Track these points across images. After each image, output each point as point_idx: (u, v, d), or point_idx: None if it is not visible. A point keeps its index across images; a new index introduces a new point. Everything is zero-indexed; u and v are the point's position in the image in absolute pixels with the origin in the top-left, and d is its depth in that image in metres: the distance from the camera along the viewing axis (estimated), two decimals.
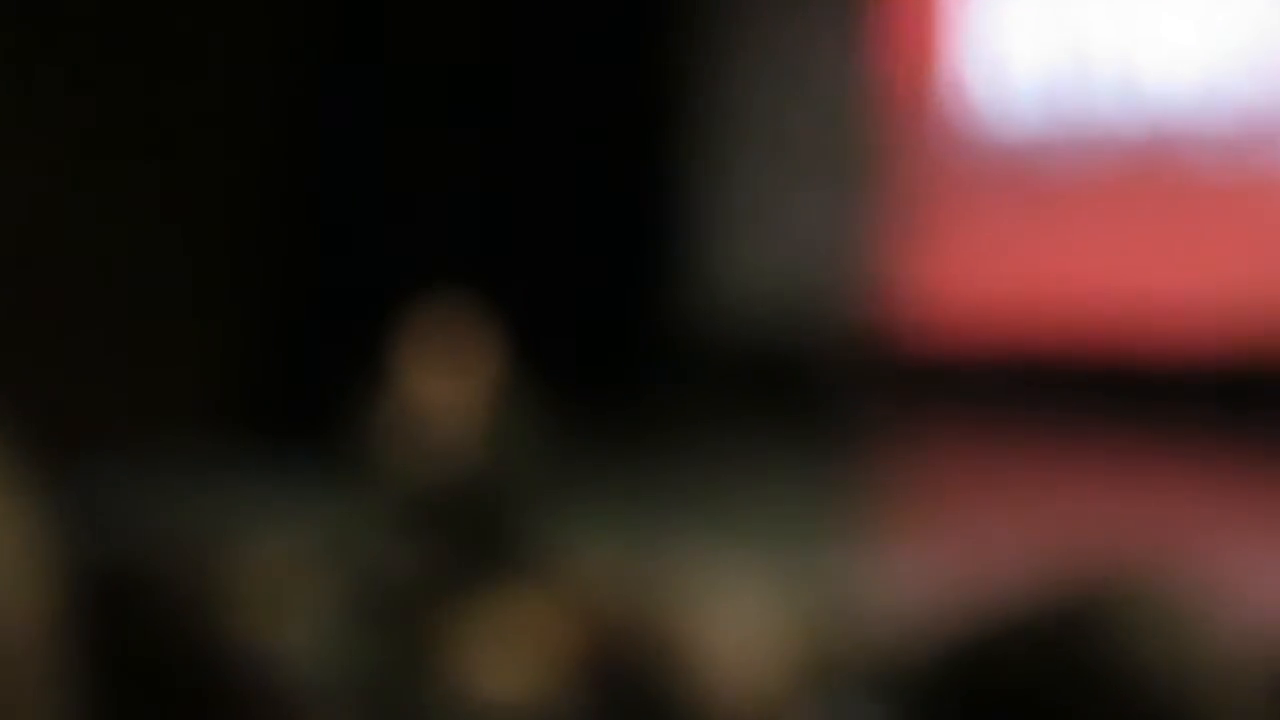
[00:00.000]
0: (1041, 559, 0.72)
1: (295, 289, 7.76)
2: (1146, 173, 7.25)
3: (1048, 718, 0.68)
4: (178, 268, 7.43)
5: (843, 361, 7.55)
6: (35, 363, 6.62)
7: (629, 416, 7.37)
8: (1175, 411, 6.77)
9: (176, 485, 6.22)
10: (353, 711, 1.13)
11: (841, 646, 1.64)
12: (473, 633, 2.74)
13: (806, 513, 6.51)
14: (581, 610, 1.83)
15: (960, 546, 5.93)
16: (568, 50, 7.74)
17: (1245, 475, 6.69)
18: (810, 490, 6.86)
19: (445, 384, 5.15)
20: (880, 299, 7.65)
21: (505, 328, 5.30)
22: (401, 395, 5.16)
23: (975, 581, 0.78)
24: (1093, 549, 0.73)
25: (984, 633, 0.71)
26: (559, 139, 7.79)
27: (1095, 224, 7.24)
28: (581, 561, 4.51)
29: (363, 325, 5.85)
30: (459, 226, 7.69)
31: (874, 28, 7.63)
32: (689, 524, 5.89)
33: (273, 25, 7.81)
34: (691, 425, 7.56)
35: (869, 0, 7.62)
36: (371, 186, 7.63)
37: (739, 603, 1.41)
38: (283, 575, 0.95)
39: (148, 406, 7.20)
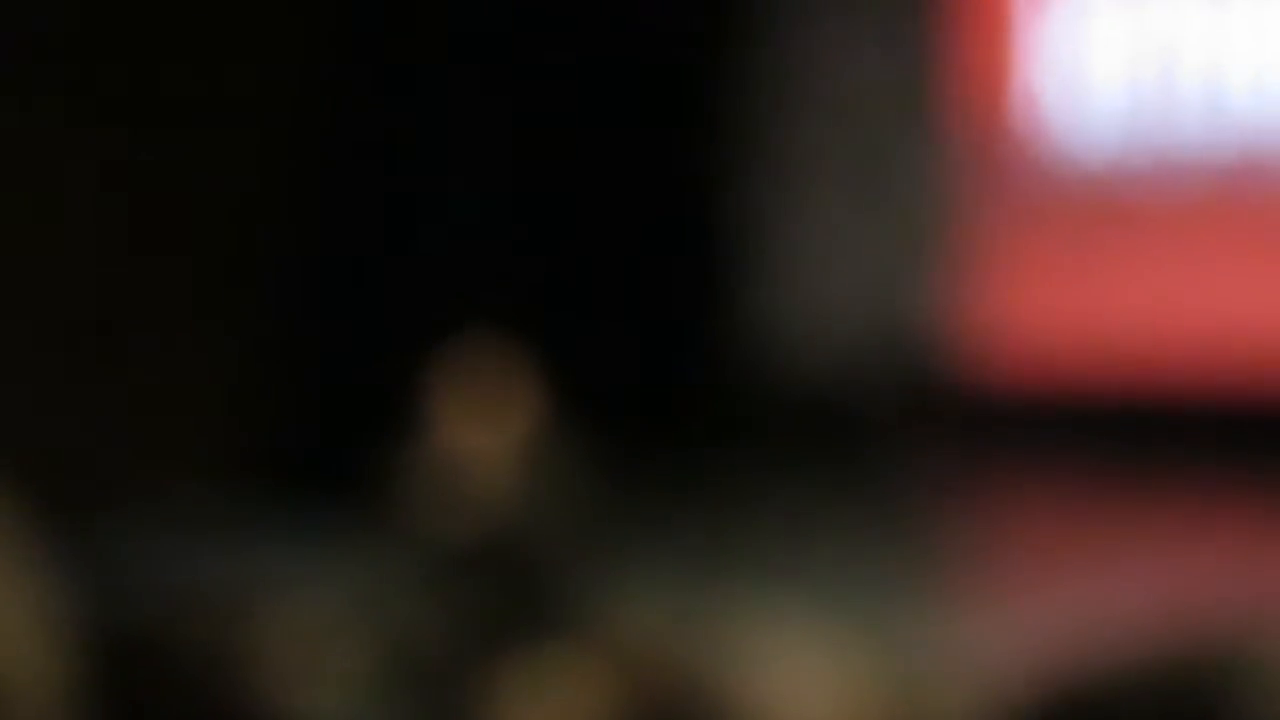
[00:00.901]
0: (1130, 617, 0.68)
1: (322, 334, 7.39)
2: (1235, 199, 6.88)
3: None
4: (197, 317, 7.14)
5: (907, 408, 7.23)
6: (51, 420, 6.46)
7: (679, 466, 7.05)
8: (1267, 456, 6.42)
9: (198, 544, 6.04)
10: None
11: (908, 712, 1.36)
12: (509, 697, 2.53)
13: (869, 569, 6.11)
14: (626, 673, 1.83)
15: (1036, 604, 5.72)
16: (618, 89, 7.53)
17: None
18: (873, 545, 6.49)
19: (481, 433, 4.79)
20: (948, 341, 7.27)
21: (545, 373, 4.93)
22: (434, 446, 4.78)
23: (1054, 642, 0.79)
24: (1186, 606, 0.60)
25: (1071, 695, 0.67)
26: (606, 175, 7.39)
27: (1181, 254, 6.91)
28: (627, 622, 4.33)
29: (393, 372, 5.59)
30: (497, 267, 7.33)
31: (940, 50, 7.24)
32: (743, 581, 5.64)
33: (299, 71, 7.38)
34: (746, 476, 7.31)
35: (935, 21, 7.20)
36: (402, 227, 7.33)
37: (796, 664, 1.20)
38: (310, 637, 0.96)
39: (167, 462, 6.87)
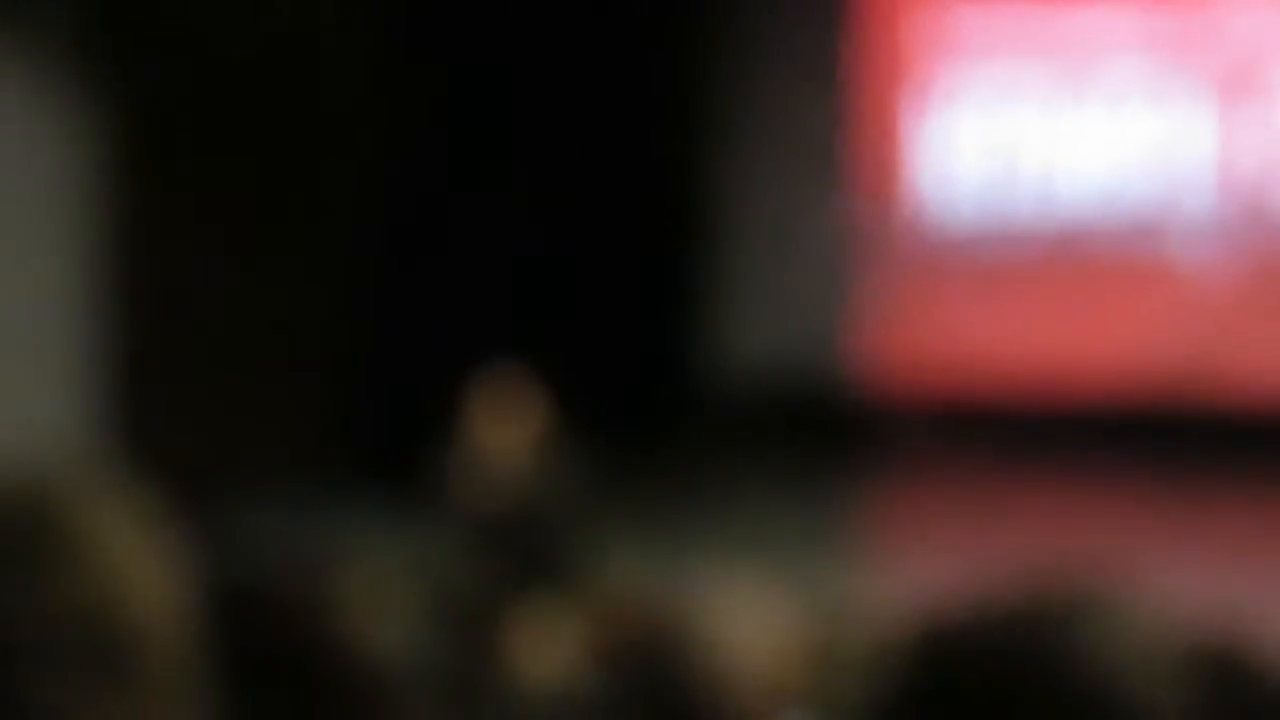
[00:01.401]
0: (1003, 573, 0.76)
1: (390, 363, 8.37)
2: (1062, 258, 8.14)
3: (1007, 701, 0.71)
4: (300, 350, 8.24)
5: (835, 411, 8.29)
6: (190, 421, 7.51)
7: (658, 457, 8.09)
8: (1098, 447, 7.53)
9: (295, 517, 7.12)
10: (434, 696, 1.17)
11: (833, 644, 1.83)
12: (527, 633, 3.09)
13: (800, 539, 6.96)
14: (614, 616, 2.36)
15: (935, 563, 6.19)
16: (613, 166, 8.39)
17: (1160, 499, 7.43)
18: (804, 520, 7.45)
19: (504, 434, 5.76)
20: (863, 360, 8.41)
21: (553, 387, 5.92)
22: (470, 443, 5.78)
23: (948, 591, 0.79)
24: (1044, 564, 0.77)
25: (956, 630, 0.74)
26: (605, 239, 8.49)
27: (1021, 298, 8.18)
28: (616, 578, 5.16)
29: (439, 387, 6.46)
30: (517, 308, 8.34)
31: (848, 146, 8.39)
32: (707, 547, 6.36)
33: (364, 166, 8.38)
34: (710, 464, 8.23)
35: (850, 132, 8.34)
36: (450, 286, 8.29)
37: (748, 610, 1.48)
38: (377, 589, 1.04)
39: (274, 455, 7.94)
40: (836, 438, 8.35)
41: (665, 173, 9.05)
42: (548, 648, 3.27)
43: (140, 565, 0.70)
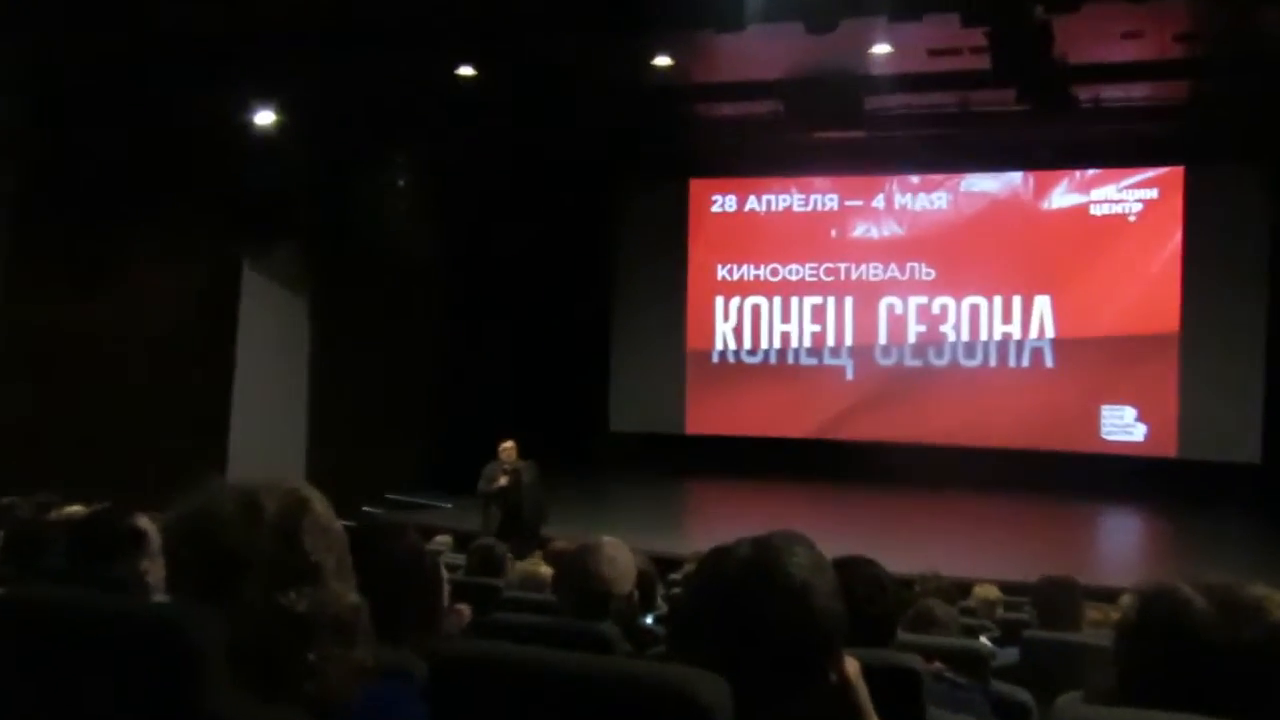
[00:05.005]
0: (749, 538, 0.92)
1: (445, 424, 9.44)
2: (779, 375, 10.10)
3: (743, 606, 0.86)
4: (393, 419, 9.20)
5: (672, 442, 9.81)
6: (338, 451, 8.37)
7: (580, 470, 9.50)
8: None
9: (405, 503, 8.50)
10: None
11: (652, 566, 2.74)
12: (518, 558, 4.18)
13: (652, 510, 8.61)
14: (559, 548, 3.86)
15: (725, 531, 7.61)
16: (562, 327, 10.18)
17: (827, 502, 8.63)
18: (657, 499, 9.18)
19: (510, 458, 6.91)
20: (682, 419, 10.31)
21: (529, 437, 7.23)
22: (495, 463, 6.91)
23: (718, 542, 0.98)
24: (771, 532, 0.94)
25: (712, 558, 0.91)
26: (553, 358, 10.25)
27: (761, 391, 10.35)
28: (559, 533, 5.82)
29: (479, 440, 7.41)
30: (518, 401, 9.66)
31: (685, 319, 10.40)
32: (604, 516, 7.86)
33: (430, 308, 9.38)
34: (610, 471, 9.97)
35: (683, 309, 10.34)
36: (494, 395, 9.54)
37: (618, 547, 2.02)
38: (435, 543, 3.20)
39: (384, 476, 9.03)
40: (673, 457, 9.97)
41: (584, 322, 10.76)
42: (531, 561, 4.14)
43: (329, 511, 0.92)
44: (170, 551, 0.96)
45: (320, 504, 0.96)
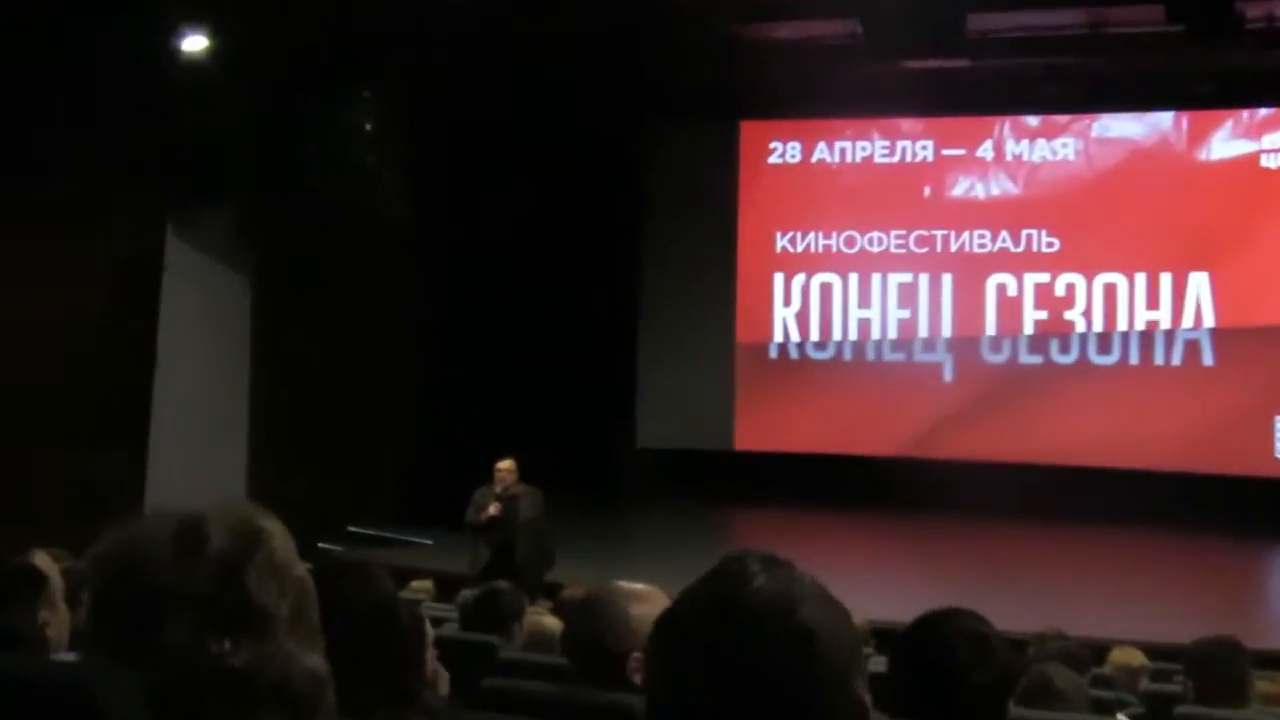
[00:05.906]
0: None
1: (434, 451, 9.66)
2: (856, 371, 10.69)
3: (706, 632, 0.92)
4: (372, 442, 9.62)
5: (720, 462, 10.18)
6: (287, 470, 8.59)
7: (591, 500, 9.72)
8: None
9: (373, 544, 8.79)
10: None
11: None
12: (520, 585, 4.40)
13: (691, 549, 8.15)
14: (570, 595, 4.30)
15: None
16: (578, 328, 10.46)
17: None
18: (696, 535, 9.29)
19: (507, 482, 7.03)
20: (731, 431, 10.76)
21: (537, 448, 7.46)
22: (487, 487, 7.06)
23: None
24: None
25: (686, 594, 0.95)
26: (564, 354, 10.48)
27: (835, 393, 10.71)
28: (568, 581, 5.77)
29: (470, 458, 7.51)
30: (520, 408, 9.91)
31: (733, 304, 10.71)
32: (627, 558, 8.18)
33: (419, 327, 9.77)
34: (637, 499, 10.29)
35: (731, 291, 10.64)
36: (490, 402, 9.88)
37: (644, 600, 2.06)
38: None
39: (348, 498, 9.35)
40: (718, 481, 10.25)
41: (610, 331, 11.10)
42: (536, 608, 4.24)
43: (291, 550, 1.00)
44: (93, 594, 0.99)
45: (281, 539, 1.01)
